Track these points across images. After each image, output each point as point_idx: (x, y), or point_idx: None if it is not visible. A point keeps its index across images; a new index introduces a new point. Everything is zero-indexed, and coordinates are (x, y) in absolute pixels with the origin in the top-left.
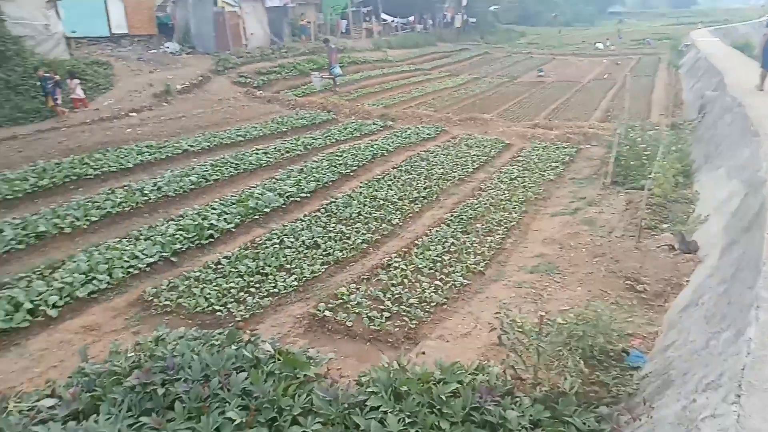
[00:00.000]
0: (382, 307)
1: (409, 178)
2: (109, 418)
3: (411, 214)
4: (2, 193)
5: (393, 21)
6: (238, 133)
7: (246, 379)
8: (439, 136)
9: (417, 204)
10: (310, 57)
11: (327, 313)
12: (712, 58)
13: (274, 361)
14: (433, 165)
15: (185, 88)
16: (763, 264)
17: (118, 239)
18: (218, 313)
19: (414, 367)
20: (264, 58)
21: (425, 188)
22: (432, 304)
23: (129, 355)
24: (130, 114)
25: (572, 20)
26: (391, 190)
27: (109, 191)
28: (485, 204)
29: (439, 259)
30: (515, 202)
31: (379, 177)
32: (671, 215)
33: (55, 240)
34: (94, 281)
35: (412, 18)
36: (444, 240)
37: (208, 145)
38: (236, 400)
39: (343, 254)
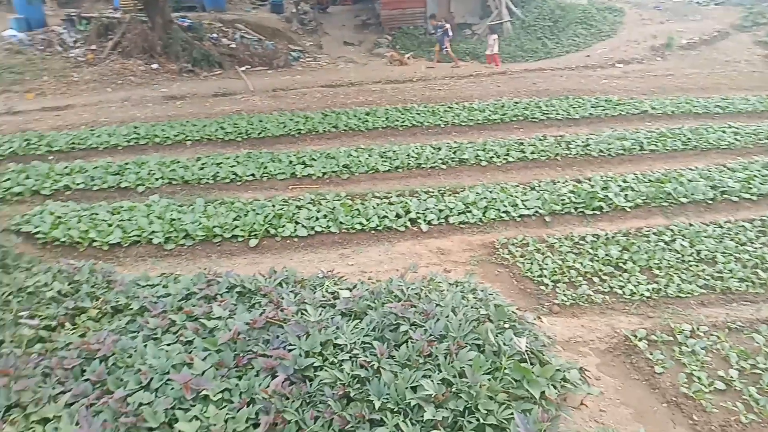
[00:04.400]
0: (721, 373)
1: None
2: (358, 329)
3: None
4: (460, 118)
5: None
6: (717, 104)
7: (470, 360)
8: None
9: None
10: None
11: (642, 344)
12: None
13: (520, 360)
14: None
15: (691, 44)
16: None
17: (517, 184)
18: (542, 287)
19: None
20: None
21: None
22: None
23: (413, 285)
24: (617, 65)
25: None
26: None
27: (541, 137)
28: None
29: None
30: None
31: None
32: None
33: (471, 169)
34: (468, 213)
35: None
36: None
37: (673, 111)
38: (447, 373)
39: (742, 286)
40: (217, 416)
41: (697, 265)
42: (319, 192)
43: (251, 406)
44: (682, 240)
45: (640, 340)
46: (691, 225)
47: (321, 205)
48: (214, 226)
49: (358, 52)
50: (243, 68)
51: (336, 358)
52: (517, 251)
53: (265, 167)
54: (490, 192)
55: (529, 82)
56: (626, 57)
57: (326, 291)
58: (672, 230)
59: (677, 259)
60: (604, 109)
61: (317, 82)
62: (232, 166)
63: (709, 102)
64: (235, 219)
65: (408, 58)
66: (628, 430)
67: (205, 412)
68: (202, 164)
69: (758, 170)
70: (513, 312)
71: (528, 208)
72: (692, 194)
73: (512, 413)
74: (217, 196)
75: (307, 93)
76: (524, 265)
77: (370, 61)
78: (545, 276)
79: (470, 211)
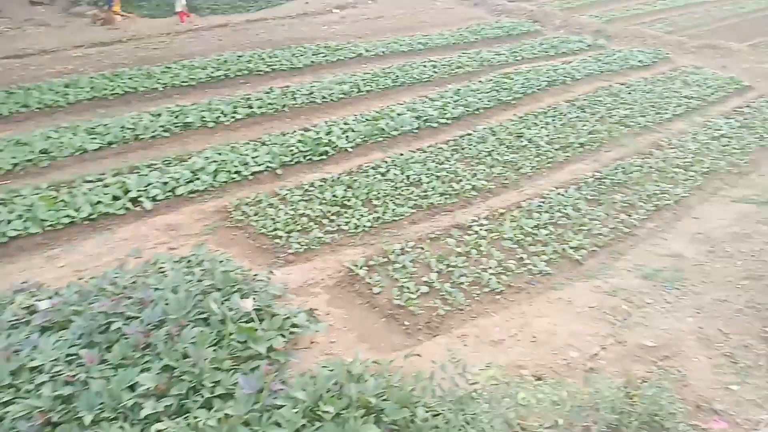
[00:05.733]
0: (425, 278)
1: (576, 118)
2: (61, 341)
3: (550, 165)
4: (180, 79)
5: None
6: (420, 41)
7: (194, 338)
8: (656, 65)
9: (566, 152)
10: None
11: (361, 271)
12: None
13: (247, 321)
14: (621, 103)
15: None
16: None
17: (247, 142)
18: (277, 240)
19: (379, 376)
20: None
21: (590, 133)
22: (484, 290)
23: (131, 274)
24: (334, 10)
25: None
26: (546, 129)
27: (268, 90)
28: (652, 167)
29: (535, 232)
30: (694, 171)
31: (542, 111)
32: None
33: (197, 133)
34: (197, 181)
35: None
36: (559, 207)
37: (384, 51)
38: (168, 359)
39: (442, 200)
40: None
41: (408, 189)
42: (11, 189)
43: None
44: (395, 169)
45: (360, 268)
46: (401, 155)
47: (14, 204)
48: None
49: (52, 13)
50: None
51: (33, 383)
52: (251, 210)
53: None
54: (220, 154)
55: (252, 34)
56: (342, 2)
57: (20, 308)
58: (386, 162)
59: (392, 187)
60: (324, 56)
61: None
62: None
63: (413, 40)
64: None
65: (114, 13)
66: (353, 351)
67: None
68: None
69: (451, 97)
70: (241, 274)
71: (259, 165)
72: (402, 127)
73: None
74: None
75: None
76: (258, 223)
77: (68, 23)
78: (279, 229)
79: (199, 179)
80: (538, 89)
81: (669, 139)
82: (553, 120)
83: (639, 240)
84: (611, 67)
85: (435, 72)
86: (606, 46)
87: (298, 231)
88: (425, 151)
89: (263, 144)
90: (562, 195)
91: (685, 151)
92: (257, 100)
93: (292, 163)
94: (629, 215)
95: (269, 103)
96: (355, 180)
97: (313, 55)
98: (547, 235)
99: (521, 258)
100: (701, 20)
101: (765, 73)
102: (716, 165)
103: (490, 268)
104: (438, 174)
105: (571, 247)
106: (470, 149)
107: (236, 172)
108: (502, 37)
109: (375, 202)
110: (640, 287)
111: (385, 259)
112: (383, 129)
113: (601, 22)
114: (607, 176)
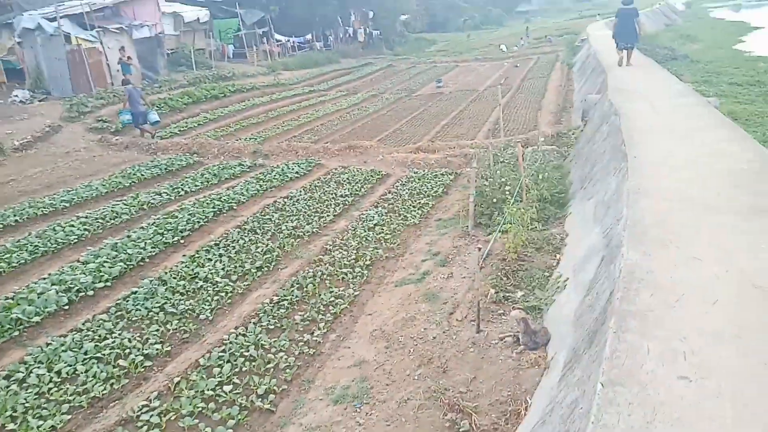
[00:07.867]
0: None
1: (249, 241)
2: None
3: (230, 300)
4: None
5: (289, 41)
6: (63, 198)
7: None
8: (312, 172)
9: (245, 281)
10: (187, 90)
11: None
12: (600, 55)
13: None
14: (288, 216)
15: (26, 144)
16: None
17: None
18: None
19: None
20: None
21: (264, 254)
22: None
23: None
24: None
25: (481, 23)
26: (221, 262)
27: None
28: (324, 273)
29: (218, 393)
30: (360, 267)
31: (214, 243)
32: (528, 275)
33: None
34: None
35: (309, 36)
36: (241, 350)
37: (17, 221)
38: None
39: (107, 388)
40: None
41: (59, 389)
42: None
43: None
44: (39, 368)
45: None
46: (48, 344)
47: None
48: None
49: None
50: None
51: None
52: None
53: None
54: None
55: None
56: None
57: None
58: (26, 363)
59: (35, 395)
60: None
61: None
62: None
63: (55, 198)
64: None
65: None
66: None
67: None
68: None
69: (108, 254)
70: None
71: None
72: (46, 308)
73: None
74: None
75: None
76: None
77: None
78: None
79: None
80: (206, 221)
81: (334, 240)
82: (227, 250)
83: (325, 357)
84: (273, 183)
85: (86, 229)
86: (265, 164)
87: None
88: (80, 330)
89: None
90: (243, 335)
91: (349, 250)
92: None
93: None
94: (312, 333)
95: None
96: None
97: None
98: (231, 391)
99: None
100: (338, 126)
101: (395, 161)
102: (376, 255)
103: None
104: (99, 355)
105: (259, 396)
106: (138, 311)
107: None
108: (161, 175)
109: (10, 427)
110: (332, 417)
111: None
112: (20, 318)
113: (256, 142)
114: (284, 297)
